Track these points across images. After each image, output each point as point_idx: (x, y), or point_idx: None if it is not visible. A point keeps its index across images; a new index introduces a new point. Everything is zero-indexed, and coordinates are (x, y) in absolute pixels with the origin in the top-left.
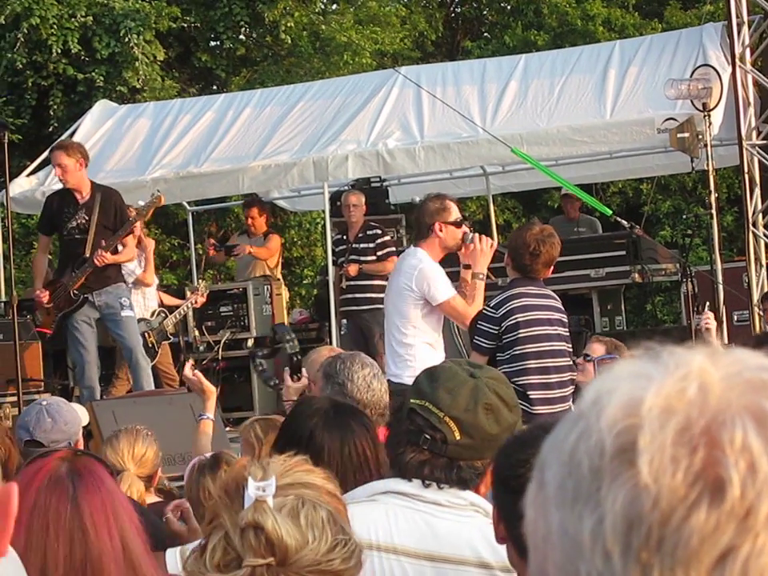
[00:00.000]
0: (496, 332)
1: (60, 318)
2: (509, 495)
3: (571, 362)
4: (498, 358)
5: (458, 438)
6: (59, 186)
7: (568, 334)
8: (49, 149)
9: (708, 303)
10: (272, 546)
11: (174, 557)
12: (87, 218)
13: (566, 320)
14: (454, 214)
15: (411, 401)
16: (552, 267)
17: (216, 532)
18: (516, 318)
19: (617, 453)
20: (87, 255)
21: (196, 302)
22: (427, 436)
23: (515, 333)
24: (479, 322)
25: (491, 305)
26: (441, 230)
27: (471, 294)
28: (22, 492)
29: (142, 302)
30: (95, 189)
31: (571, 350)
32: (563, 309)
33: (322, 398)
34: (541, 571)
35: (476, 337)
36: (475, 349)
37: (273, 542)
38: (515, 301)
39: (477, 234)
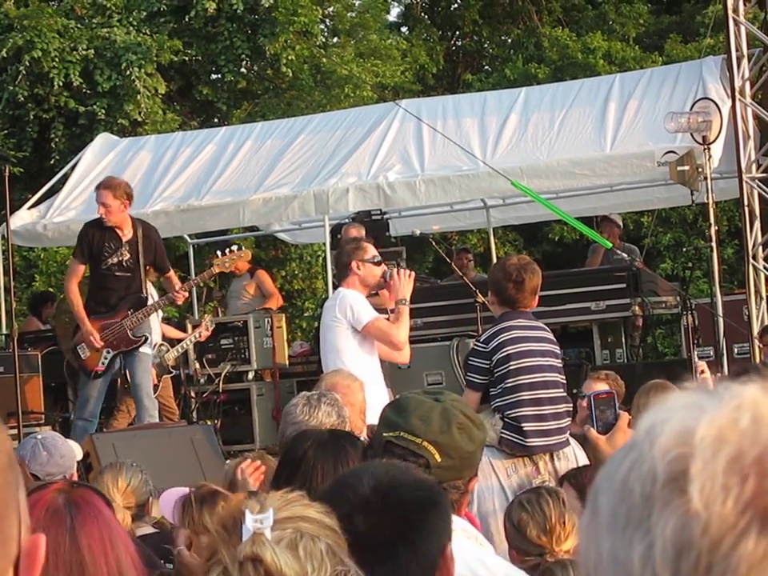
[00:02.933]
0: (487, 366)
1: (112, 356)
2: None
3: (566, 394)
4: (491, 392)
5: (439, 460)
6: (61, 218)
7: (561, 364)
8: (96, 186)
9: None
10: None
11: None
12: (130, 255)
13: (558, 351)
14: (370, 252)
15: (384, 434)
16: (537, 298)
17: (215, 568)
18: (507, 351)
19: (668, 480)
20: (143, 295)
21: (200, 336)
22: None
23: (506, 365)
24: (470, 358)
25: (481, 339)
26: (359, 268)
27: (396, 318)
28: None
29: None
30: (136, 225)
31: (565, 381)
32: (555, 340)
33: (316, 429)
34: None
35: (468, 373)
36: (468, 385)
37: (272, 573)
38: (505, 334)
39: (395, 269)
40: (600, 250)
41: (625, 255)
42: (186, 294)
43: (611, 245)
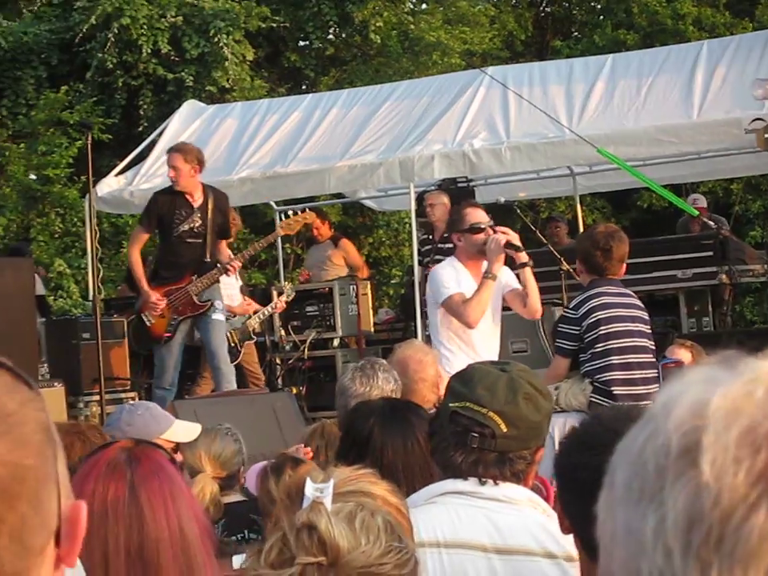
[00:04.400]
0: (577, 332)
1: (179, 322)
2: (571, 496)
3: (655, 359)
4: (580, 358)
5: (505, 430)
6: (148, 185)
7: (650, 331)
8: (167, 150)
9: None
10: (324, 546)
11: (241, 563)
12: (201, 221)
13: (646, 317)
14: (468, 220)
15: (450, 405)
16: (625, 265)
17: (275, 533)
18: (596, 316)
19: (681, 453)
20: (208, 259)
21: (276, 307)
22: (475, 434)
23: (596, 330)
24: (560, 325)
25: (570, 306)
26: (459, 240)
27: (475, 293)
28: (82, 480)
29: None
30: (206, 191)
31: (654, 347)
32: (643, 307)
33: (376, 400)
34: (607, 570)
35: (557, 339)
36: (557, 351)
37: (325, 541)
38: (594, 300)
39: (492, 234)
40: (691, 223)
41: (711, 223)
42: (239, 265)
43: (698, 212)
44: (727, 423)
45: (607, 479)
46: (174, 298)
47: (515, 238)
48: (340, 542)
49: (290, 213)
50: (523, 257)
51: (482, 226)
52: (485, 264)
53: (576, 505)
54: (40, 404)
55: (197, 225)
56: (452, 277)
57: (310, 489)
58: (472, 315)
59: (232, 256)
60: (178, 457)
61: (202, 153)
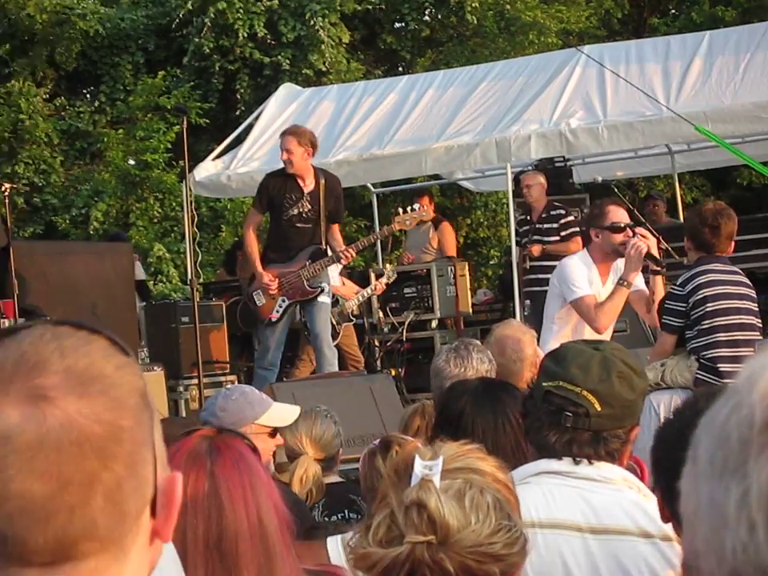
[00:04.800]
0: (684, 309)
1: (287, 305)
2: (672, 482)
3: (761, 337)
4: (686, 335)
5: (599, 409)
6: (245, 169)
7: (757, 308)
8: (281, 133)
9: None
10: (434, 525)
11: (335, 545)
12: (311, 206)
13: (754, 295)
14: (610, 218)
15: (544, 384)
16: (733, 243)
17: (382, 510)
18: (703, 293)
19: (766, 426)
20: (323, 246)
21: (376, 289)
22: (569, 413)
23: (703, 307)
24: (667, 302)
25: (677, 283)
26: (597, 236)
27: (608, 299)
28: None
29: None
30: (318, 175)
31: (761, 324)
32: (751, 284)
33: (471, 380)
34: (691, 546)
35: (665, 316)
36: (664, 328)
37: (435, 520)
38: (702, 277)
39: (633, 239)
40: None
41: None
42: (354, 254)
43: None
44: None
45: (690, 453)
46: (285, 281)
47: (654, 245)
48: (450, 520)
49: (389, 194)
50: (658, 264)
51: (622, 226)
52: (615, 264)
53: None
54: (136, 370)
55: (306, 210)
56: (584, 275)
57: (419, 466)
58: (603, 321)
59: (343, 244)
60: (278, 440)
61: (315, 136)
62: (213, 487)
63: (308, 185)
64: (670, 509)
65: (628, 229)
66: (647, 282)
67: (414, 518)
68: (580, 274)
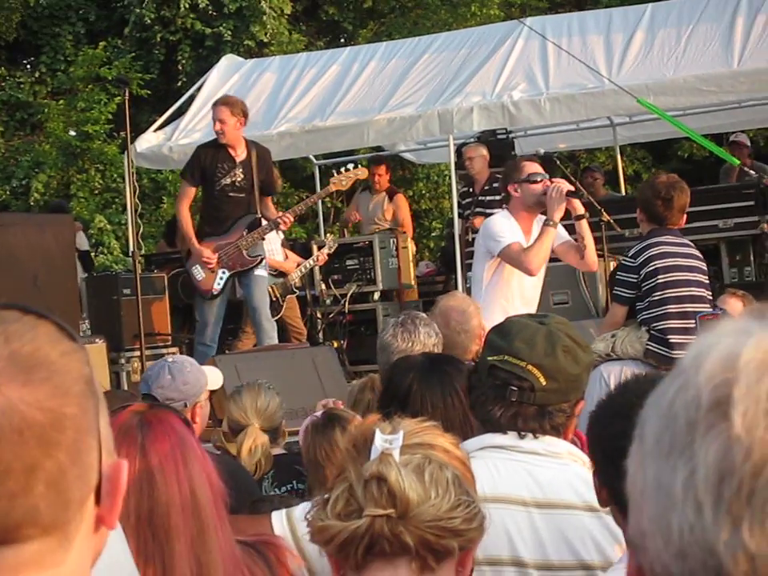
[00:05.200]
0: (635, 280)
1: (228, 277)
2: (609, 465)
3: (712, 309)
4: (637, 306)
5: (545, 383)
6: (187, 140)
7: (707, 281)
8: (212, 103)
9: None
10: (393, 498)
11: (280, 519)
12: (244, 176)
13: (705, 268)
14: (526, 171)
15: (488, 358)
16: (685, 215)
17: (340, 483)
18: (655, 265)
19: (712, 406)
20: (257, 215)
21: (318, 260)
22: (514, 387)
23: (654, 279)
24: (618, 273)
25: (629, 255)
26: (516, 191)
27: (536, 240)
28: None
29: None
30: (249, 146)
31: (711, 297)
32: (701, 257)
33: (416, 355)
34: (638, 526)
35: (616, 287)
36: (615, 299)
37: (395, 493)
38: (653, 249)
39: (550, 183)
40: (733, 171)
41: (753, 172)
42: (291, 220)
43: (738, 161)
44: (759, 375)
45: (637, 432)
46: (223, 253)
47: (571, 188)
48: (410, 494)
49: (331, 166)
50: (580, 208)
51: (539, 178)
52: (538, 218)
53: (616, 474)
54: (83, 356)
55: (239, 179)
56: (507, 227)
57: (379, 440)
58: (534, 262)
59: (277, 213)
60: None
61: (246, 106)
62: (144, 461)
63: (240, 154)
64: (607, 491)
65: (545, 180)
66: (573, 235)
67: (373, 492)
68: (503, 226)
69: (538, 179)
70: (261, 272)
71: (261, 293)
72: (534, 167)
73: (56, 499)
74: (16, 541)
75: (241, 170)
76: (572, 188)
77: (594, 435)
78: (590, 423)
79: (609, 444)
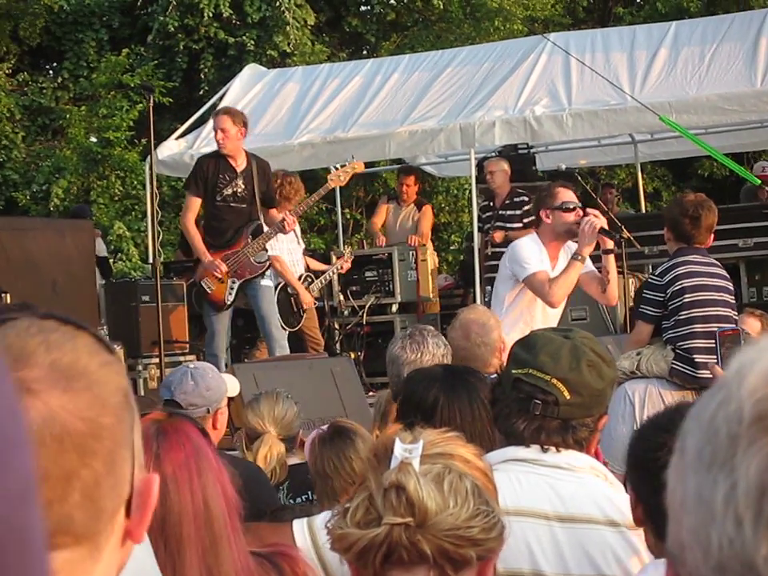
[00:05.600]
0: (661, 299)
1: (238, 286)
2: (646, 478)
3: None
4: (663, 325)
5: (569, 397)
6: (209, 149)
7: (734, 301)
8: (213, 112)
9: None
10: (412, 507)
11: (301, 528)
12: (245, 186)
13: (731, 288)
14: (560, 198)
15: (513, 371)
16: (713, 235)
17: (360, 492)
18: (682, 284)
19: (755, 420)
20: (260, 221)
21: (341, 268)
22: (538, 401)
23: (681, 298)
24: (645, 291)
25: (656, 273)
26: (547, 217)
27: (562, 272)
28: None
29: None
30: (250, 157)
31: (737, 317)
32: (729, 277)
33: (432, 366)
34: (677, 538)
35: (641, 305)
36: (640, 317)
37: (413, 502)
38: (681, 267)
39: (586, 216)
40: (755, 192)
41: None
42: (295, 220)
43: (760, 181)
44: None
45: (678, 445)
46: (232, 262)
47: (605, 223)
48: (428, 503)
49: (351, 178)
50: (610, 243)
51: (572, 206)
52: (566, 247)
53: (653, 487)
54: (120, 368)
55: (240, 189)
56: (536, 253)
57: (399, 449)
58: (557, 294)
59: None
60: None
61: (246, 117)
62: (157, 470)
63: (240, 165)
64: (642, 507)
65: (578, 209)
66: (599, 267)
67: (392, 500)
68: (531, 252)
69: (571, 207)
70: (266, 282)
71: (268, 302)
72: (568, 195)
73: (90, 509)
74: (49, 548)
75: (242, 180)
76: (605, 224)
77: (634, 450)
78: (632, 440)
79: (648, 458)
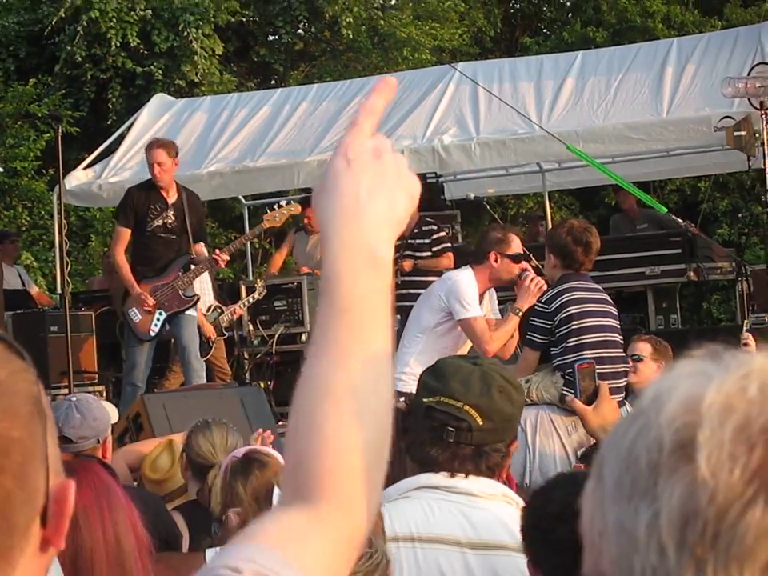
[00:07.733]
0: (549, 326)
1: (164, 318)
2: (545, 548)
3: (624, 354)
4: (551, 352)
5: (481, 423)
6: (116, 178)
7: (619, 325)
8: (146, 146)
9: (750, 320)
10: None
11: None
12: (175, 218)
13: (615, 312)
14: (514, 248)
15: (424, 400)
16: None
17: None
18: (569, 311)
19: (675, 448)
20: (193, 255)
21: (235, 312)
22: (451, 428)
23: (569, 325)
24: (531, 318)
25: (543, 300)
26: (496, 261)
27: (502, 324)
28: None
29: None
30: (181, 190)
31: (623, 342)
32: (612, 302)
33: None
34: (595, 569)
35: (528, 333)
36: (527, 344)
37: None
38: (568, 294)
39: (531, 273)
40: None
41: (680, 220)
42: (227, 258)
43: (666, 210)
44: (722, 419)
45: (594, 472)
46: (160, 294)
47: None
48: None
49: (260, 207)
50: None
51: (522, 258)
52: (490, 292)
53: (551, 556)
54: (31, 376)
55: (170, 221)
56: (475, 296)
57: (278, 495)
58: (495, 345)
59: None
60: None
61: (177, 146)
62: None
63: (171, 196)
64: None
65: (523, 263)
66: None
67: None
68: (474, 293)
69: (521, 259)
70: (191, 312)
71: (190, 332)
72: (518, 244)
73: (1, 525)
74: None
75: (172, 212)
76: (544, 286)
77: (528, 517)
78: (526, 508)
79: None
